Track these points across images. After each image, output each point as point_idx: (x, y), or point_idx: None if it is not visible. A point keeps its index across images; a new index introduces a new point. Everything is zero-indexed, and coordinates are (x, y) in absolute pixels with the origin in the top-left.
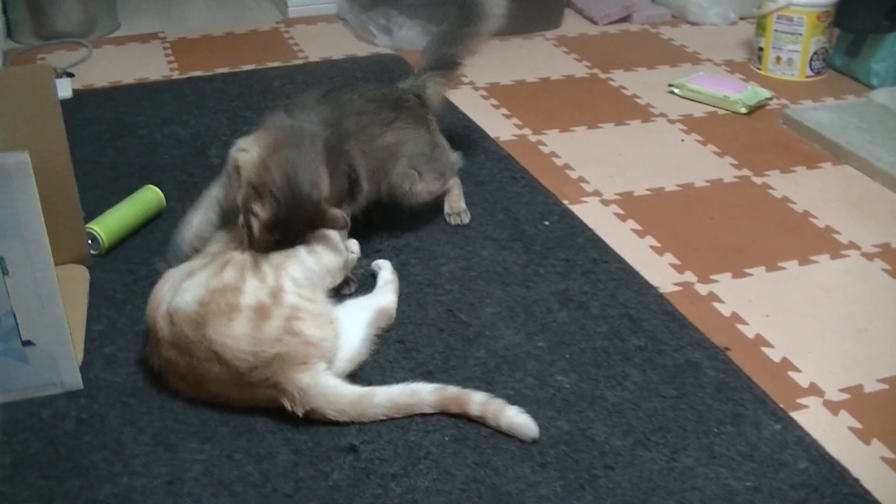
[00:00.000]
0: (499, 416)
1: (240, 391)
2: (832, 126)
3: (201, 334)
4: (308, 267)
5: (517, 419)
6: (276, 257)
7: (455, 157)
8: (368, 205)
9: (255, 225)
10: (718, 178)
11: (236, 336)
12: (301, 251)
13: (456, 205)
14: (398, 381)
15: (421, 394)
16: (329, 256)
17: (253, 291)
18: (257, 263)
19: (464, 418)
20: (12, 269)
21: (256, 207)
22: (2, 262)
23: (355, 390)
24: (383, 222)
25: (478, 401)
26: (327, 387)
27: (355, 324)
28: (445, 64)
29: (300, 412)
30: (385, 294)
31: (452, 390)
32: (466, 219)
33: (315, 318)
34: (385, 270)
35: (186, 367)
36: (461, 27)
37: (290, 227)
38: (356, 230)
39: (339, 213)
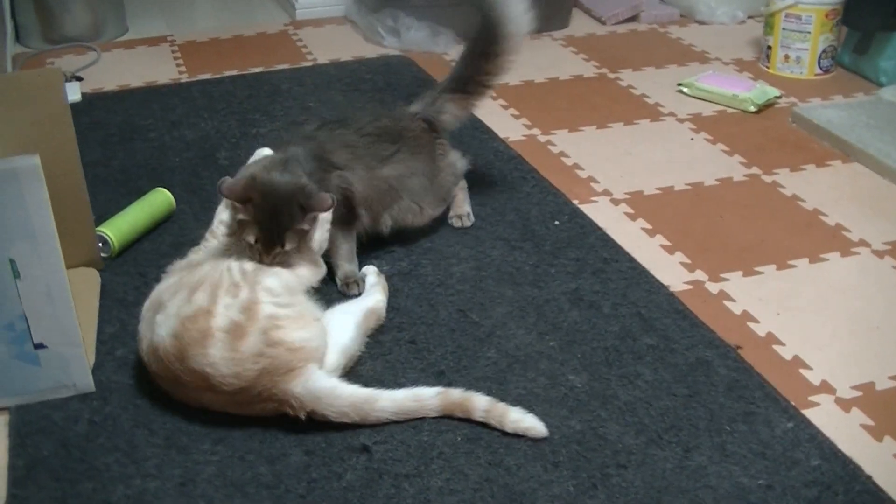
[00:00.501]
0: (503, 420)
1: (240, 408)
2: (841, 124)
3: (185, 367)
4: (284, 279)
5: (523, 423)
6: (252, 272)
7: (462, 164)
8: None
9: (249, 237)
10: (728, 177)
11: (215, 363)
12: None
13: (459, 207)
14: (410, 381)
15: (424, 399)
16: (305, 270)
17: (224, 311)
18: (232, 279)
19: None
20: (24, 272)
21: (241, 214)
22: (13, 265)
23: (357, 393)
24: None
25: (481, 406)
26: (323, 389)
27: (344, 325)
28: (469, 87)
29: (302, 415)
30: (372, 295)
31: (456, 395)
32: (468, 222)
33: (296, 321)
34: (371, 275)
35: (184, 396)
36: (486, 46)
37: (275, 217)
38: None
39: (325, 195)
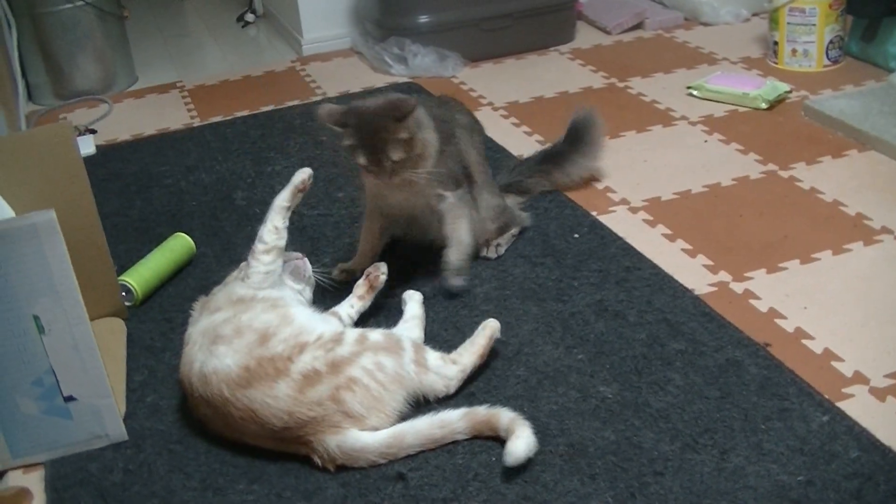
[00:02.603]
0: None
1: (275, 444)
2: (854, 113)
3: (242, 394)
4: (397, 368)
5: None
6: (374, 341)
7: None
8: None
9: (360, 159)
10: (745, 176)
11: (277, 397)
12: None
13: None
14: (442, 405)
15: (451, 423)
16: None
17: (309, 359)
18: (333, 336)
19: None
20: (48, 326)
21: (345, 140)
22: (37, 321)
23: (383, 438)
24: (413, 250)
25: (504, 423)
26: (355, 447)
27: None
28: (521, 184)
29: (331, 468)
30: (411, 330)
31: (481, 413)
32: (494, 253)
33: (370, 399)
34: (414, 303)
35: (222, 423)
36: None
37: (374, 134)
38: (390, 258)
39: (406, 97)
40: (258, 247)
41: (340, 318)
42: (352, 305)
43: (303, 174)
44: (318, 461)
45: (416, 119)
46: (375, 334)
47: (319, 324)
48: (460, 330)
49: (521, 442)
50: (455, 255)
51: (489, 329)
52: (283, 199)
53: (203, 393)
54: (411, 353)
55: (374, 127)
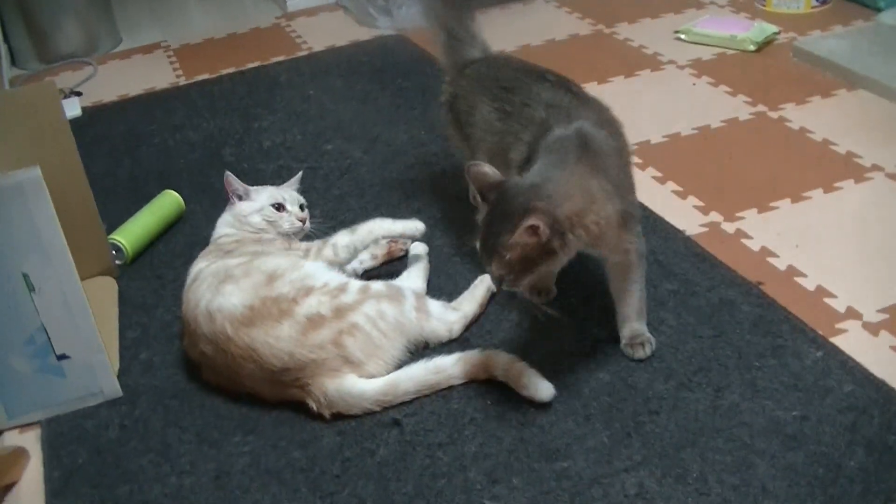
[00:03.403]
0: (518, 381)
1: (270, 388)
2: (844, 53)
3: (244, 333)
4: (400, 316)
5: (528, 390)
6: (376, 289)
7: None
8: None
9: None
10: (734, 118)
11: (279, 337)
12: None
13: (636, 326)
14: (435, 352)
15: (445, 368)
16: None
17: (315, 304)
18: (339, 285)
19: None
20: (38, 284)
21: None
22: (27, 279)
23: (379, 385)
24: (404, 198)
25: (502, 364)
26: (352, 392)
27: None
28: None
29: (326, 414)
30: (414, 281)
31: (475, 356)
32: (650, 350)
33: (371, 347)
34: (418, 254)
35: (222, 362)
36: None
37: (494, 225)
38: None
39: (541, 205)
40: (326, 252)
41: (345, 271)
42: (361, 262)
43: (416, 230)
44: (314, 406)
45: (577, 211)
46: (378, 284)
47: (325, 272)
48: (452, 277)
49: (543, 382)
50: (642, 322)
51: (487, 279)
52: (382, 230)
53: (207, 330)
54: (413, 301)
55: (498, 215)
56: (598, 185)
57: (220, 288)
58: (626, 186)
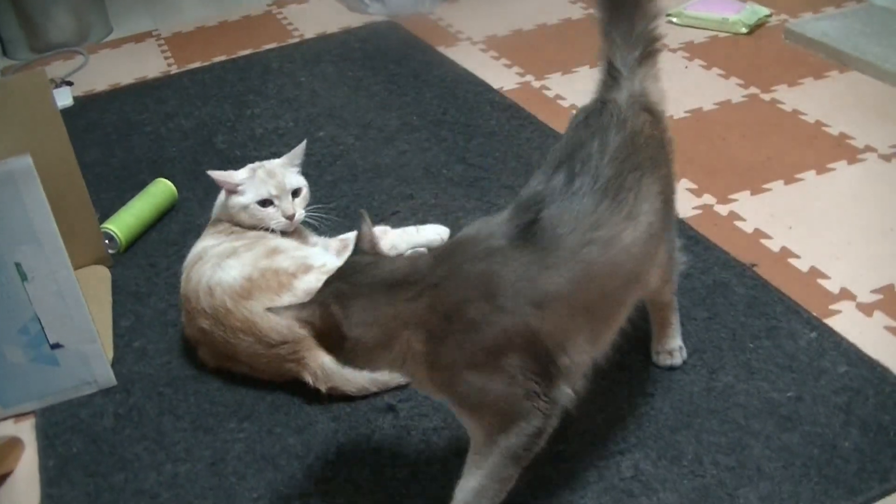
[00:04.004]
0: None
1: (267, 363)
2: (836, 34)
3: (244, 305)
4: None
5: None
6: None
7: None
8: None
9: None
10: (726, 100)
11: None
12: None
13: (670, 340)
14: None
15: None
16: None
17: (314, 278)
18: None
19: None
20: (31, 273)
21: None
22: (19, 268)
23: None
24: (396, 184)
25: None
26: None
27: None
28: (649, 53)
29: (323, 388)
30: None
31: None
32: (679, 358)
33: None
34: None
35: (220, 338)
36: None
37: None
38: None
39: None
40: (333, 244)
41: None
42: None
43: (439, 236)
44: (310, 380)
45: None
46: None
47: (326, 255)
48: None
49: None
50: (679, 336)
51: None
52: (405, 243)
53: (206, 305)
54: None
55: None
56: None
57: (222, 263)
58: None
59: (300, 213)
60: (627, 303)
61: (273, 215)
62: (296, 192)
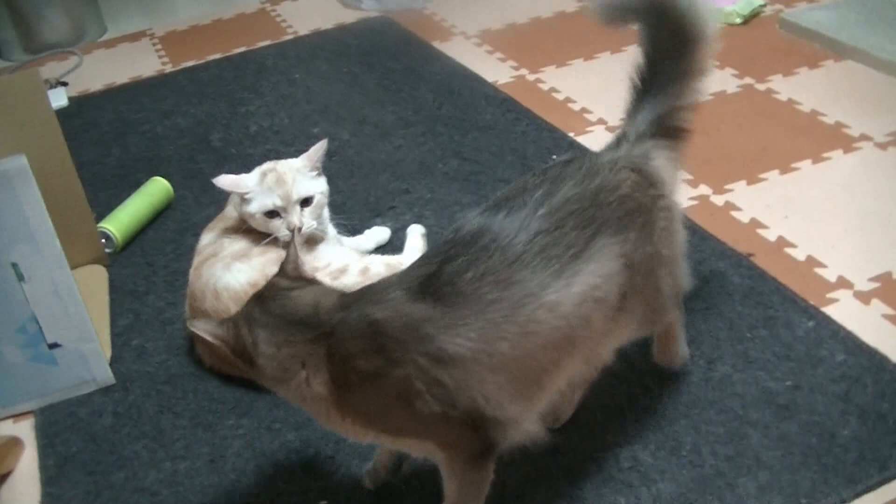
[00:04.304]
0: None
1: None
2: (831, 24)
3: None
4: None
5: None
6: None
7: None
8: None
9: None
10: (721, 91)
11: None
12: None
13: (678, 350)
14: None
15: None
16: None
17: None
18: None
19: None
20: (28, 273)
21: None
22: (16, 268)
23: None
24: (392, 179)
25: None
26: None
27: None
28: (670, 130)
29: None
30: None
31: None
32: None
33: None
34: (415, 235)
35: None
36: (676, 59)
37: None
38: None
39: None
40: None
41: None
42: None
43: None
44: None
45: None
46: (378, 265)
47: (332, 252)
48: None
49: None
50: (683, 343)
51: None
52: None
53: (211, 307)
54: None
55: None
56: None
57: (232, 266)
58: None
59: (308, 225)
60: (565, 366)
61: (279, 227)
62: (306, 202)
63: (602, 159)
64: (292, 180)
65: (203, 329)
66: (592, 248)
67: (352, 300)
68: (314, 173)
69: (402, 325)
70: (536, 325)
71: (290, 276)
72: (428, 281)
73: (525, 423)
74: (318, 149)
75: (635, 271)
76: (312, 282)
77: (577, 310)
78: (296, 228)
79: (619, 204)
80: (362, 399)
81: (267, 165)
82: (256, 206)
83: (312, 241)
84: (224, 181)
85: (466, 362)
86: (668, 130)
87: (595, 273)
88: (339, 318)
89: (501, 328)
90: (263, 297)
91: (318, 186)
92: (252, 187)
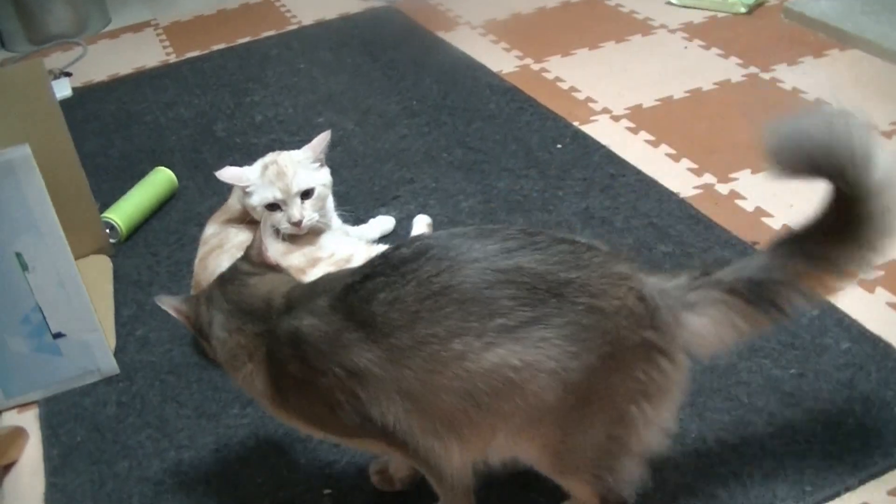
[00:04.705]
0: None
1: None
2: (836, 13)
3: None
4: None
5: None
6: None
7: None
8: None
9: None
10: (726, 80)
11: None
12: None
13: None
14: None
15: None
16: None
17: (321, 273)
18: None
19: None
20: (32, 263)
21: None
22: (20, 258)
23: None
24: (397, 168)
25: None
26: None
27: None
28: (759, 302)
29: None
30: None
31: None
32: None
33: None
34: (421, 226)
35: None
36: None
37: None
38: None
39: None
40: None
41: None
42: None
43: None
44: None
45: None
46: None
47: (335, 242)
48: None
49: None
50: None
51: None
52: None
53: None
54: None
55: None
56: None
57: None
58: None
59: (309, 218)
60: (475, 426)
61: (280, 220)
62: (307, 194)
63: (612, 265)
64: (293, 173)
65: (167, 303)
66: (527, 333)
67: (295, 301)
68: (317, 165)
69: (322, 336)
70: (441, 367)
71: (254, 261)
72: (348, 292)
73: (449, 466)
74: (322, 140)
75: (569, 396)
76: (274, 269)
77: (487, 376)
78: (297, 222)
79: (587, 312)
80: (297, 402)
81: (269, 157)
82: (258, 199)
83: (317, 230)
84: (226, 174)
85: (376, 379)
86: (756, 300)
87: (518, 356)
88: (278, 320)
89: (406, 355)
90: (224, 280)
91: (320, 178)
92: (253, 180)
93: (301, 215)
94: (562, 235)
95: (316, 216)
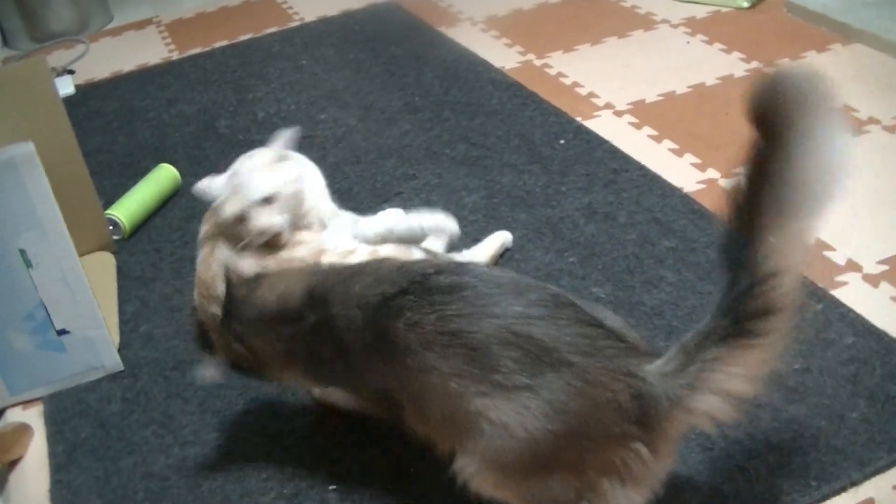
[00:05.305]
0: None
1: None
2: (838, 7)
3: None
4: None
5: None
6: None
7: None
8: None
9: None
10: (729, 75)
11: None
12: None
13: None
14: None
15: None
16: None
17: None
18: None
19: None
20: (36, 260)
21: None
22: (23, 254)
23: None
24: (399, 164)
25: None
26: None
27: None
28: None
29: None
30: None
31: None
32: None
33: None
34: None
35: None
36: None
37: None
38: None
39: None
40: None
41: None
42: None
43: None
44: None
45: None
46: (388, 248)
47: (341, 238)
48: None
49: None
50: None
51: (501, 238)
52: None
53: (221, 293)
54: (422, 255)
55: None
56: None
57: (242, 254)
58: None
59: (273, 223)
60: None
61: (250, 231)
62: (268, 200)
63: (621, 360)
64: (248, 183)
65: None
66: (516, 396)
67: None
68: (282, 163)
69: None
70: (433, 395)
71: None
72: (382, 306)
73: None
74: (281, 142)
75: (534, 462)
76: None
77: (466, 416)
78: (262, 231)
79: (577, 396)
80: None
81: (236, 163)
82: (228, 211)
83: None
84: (198, 189)
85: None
86: (738, 330)
87: (498, 412)
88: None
89: (410, 375)
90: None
91: (278, 180)
92: (222, 192)
93: (260, 224)
94: (591, 316)
95: (281, 220)
